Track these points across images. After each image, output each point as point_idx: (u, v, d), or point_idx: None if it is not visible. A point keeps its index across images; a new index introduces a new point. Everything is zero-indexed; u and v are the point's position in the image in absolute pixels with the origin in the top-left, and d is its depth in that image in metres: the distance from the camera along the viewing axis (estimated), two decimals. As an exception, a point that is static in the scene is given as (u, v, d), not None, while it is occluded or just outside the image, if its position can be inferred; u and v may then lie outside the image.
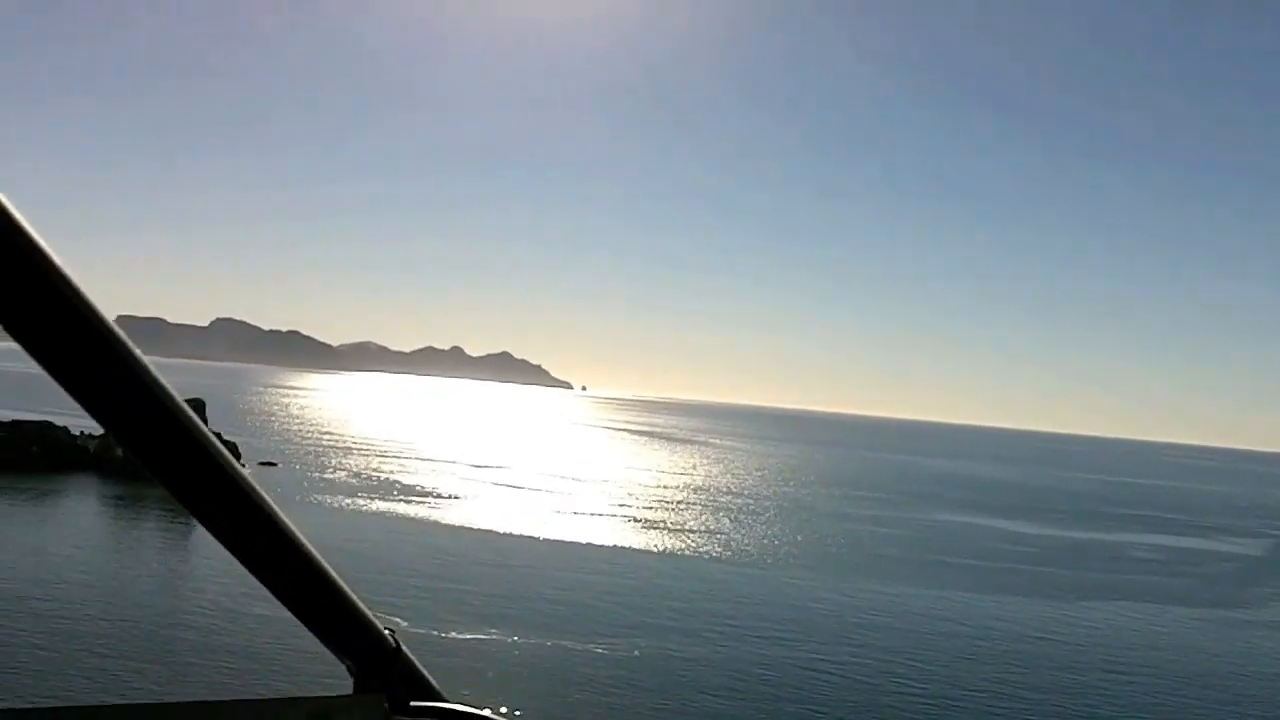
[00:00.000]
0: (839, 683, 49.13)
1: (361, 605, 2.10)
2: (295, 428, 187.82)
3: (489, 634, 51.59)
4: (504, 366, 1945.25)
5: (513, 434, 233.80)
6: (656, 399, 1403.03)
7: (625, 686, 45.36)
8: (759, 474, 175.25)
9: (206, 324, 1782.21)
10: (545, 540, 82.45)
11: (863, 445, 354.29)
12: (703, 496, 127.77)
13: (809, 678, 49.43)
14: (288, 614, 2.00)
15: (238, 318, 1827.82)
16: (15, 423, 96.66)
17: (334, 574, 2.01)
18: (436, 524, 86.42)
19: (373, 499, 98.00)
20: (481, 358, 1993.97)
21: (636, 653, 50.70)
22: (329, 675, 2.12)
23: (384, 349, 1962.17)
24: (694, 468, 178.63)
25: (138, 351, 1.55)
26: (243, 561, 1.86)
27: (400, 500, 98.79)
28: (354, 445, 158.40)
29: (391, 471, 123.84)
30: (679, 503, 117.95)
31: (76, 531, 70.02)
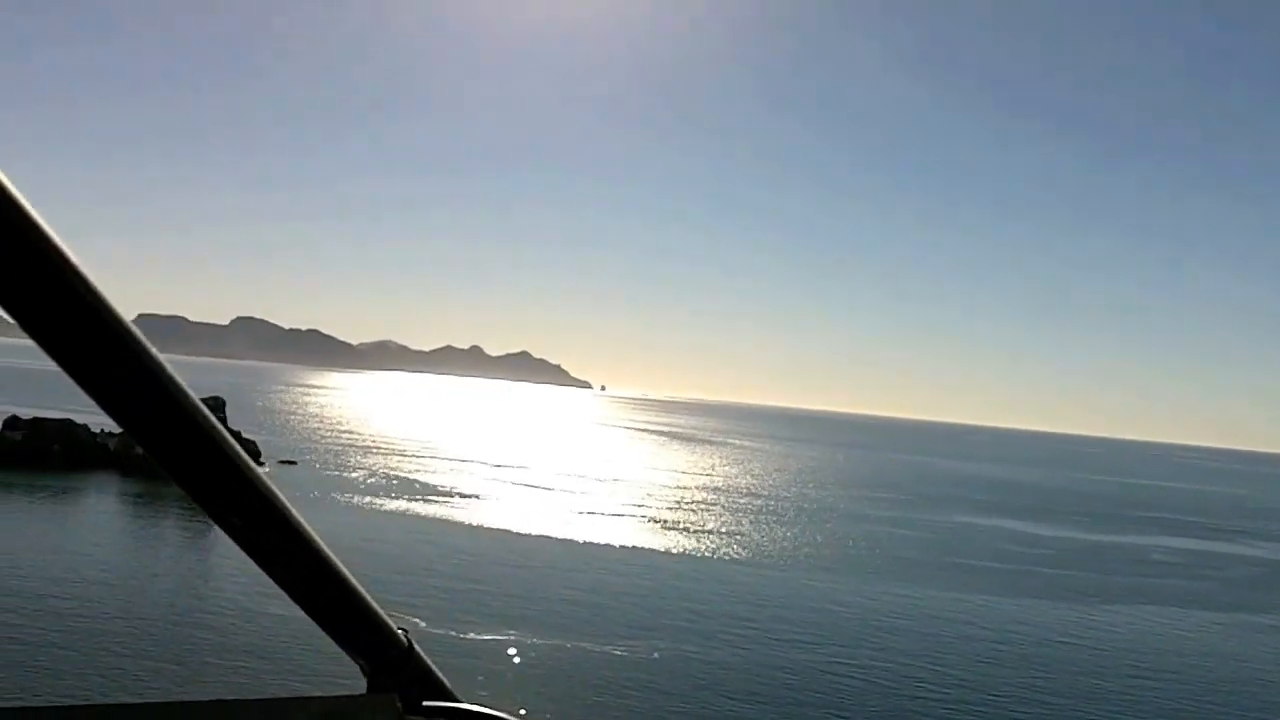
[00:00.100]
0: (859, 686, 48.80)
1: (375, 605, 2.10)
2: (315, 426, 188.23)
3: (508, 635, 51.42)
4: (523, 366, 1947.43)
5: (531, 433, 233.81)
6: (676, 399, 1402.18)
7: (644, 689, 45.12)
8: (778, 475, 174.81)
9: (227, 322, 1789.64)
10: (564, 541, 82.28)
11: (881, 446, 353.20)
12: (722, 497, 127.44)
13: (829, 681, 49.14)
14: (302, 613, 2.00)
15: (258, 316, 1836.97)
16: (36, 420, 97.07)
17: (347, 573, 2.01)
18: (455, 523, 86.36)
19: (392, 498, 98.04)
20: (501, 357, 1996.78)
21: (656, 655, 50.46)
22: (343, 675, 2.13)
23: (403, 348, 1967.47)
24: (713, 468, 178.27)
25: (153, 349, 1.55)
26: (257, 560, 1.87)
27: (419, 500, 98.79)
28: (373, 444, 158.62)
29: (411, 471, 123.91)
30: (698, 503, 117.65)
31: (96, 529, 70.20)
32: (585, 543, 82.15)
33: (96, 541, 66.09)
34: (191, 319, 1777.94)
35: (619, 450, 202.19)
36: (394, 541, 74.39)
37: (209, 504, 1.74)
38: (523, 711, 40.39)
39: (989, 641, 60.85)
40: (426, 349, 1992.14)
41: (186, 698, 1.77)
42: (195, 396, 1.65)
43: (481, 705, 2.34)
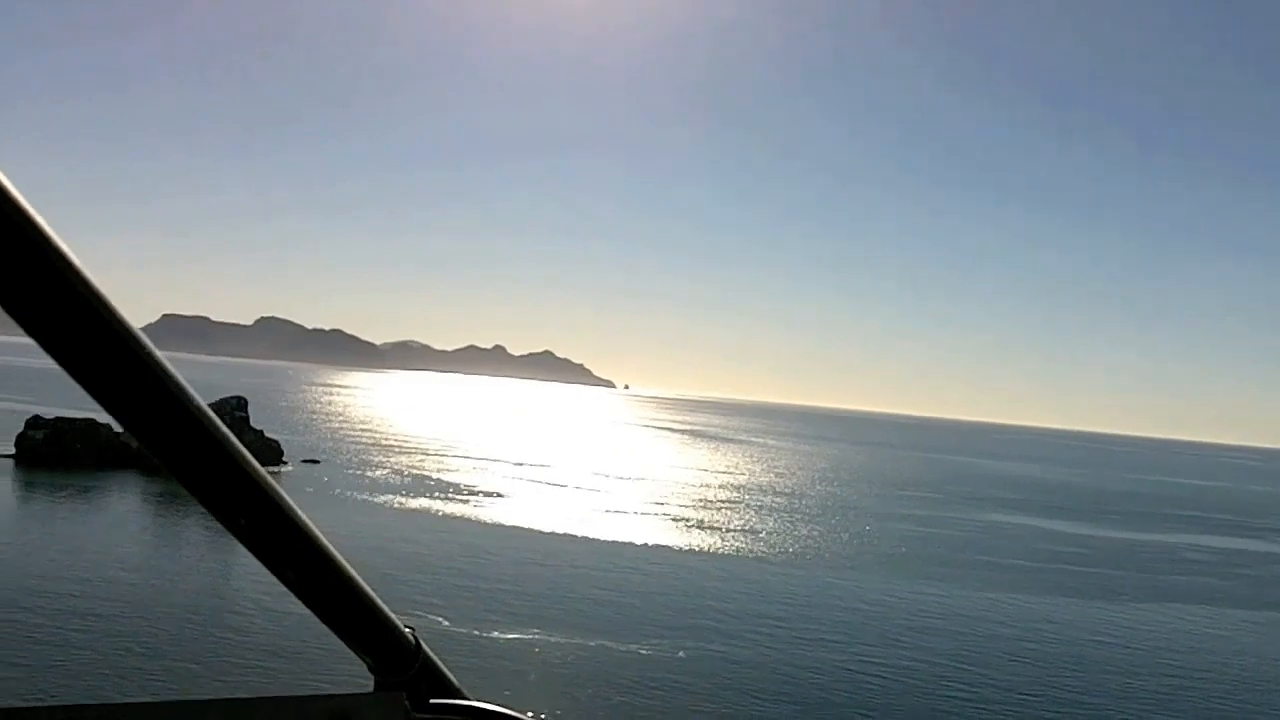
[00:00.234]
0: (888, 686, 47.96)
1: (381, 603, 2.11)
2: (338, 426, 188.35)
3: (531, 634, 50.77)
4: (546, 365, 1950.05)
5: (554, 433, 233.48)
6: (700, 398, 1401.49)
7: (670, 689, 44.37)
8: (803, 473, 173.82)
9: (251, 323, 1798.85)
10: (588, 539, 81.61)
11: (908, 445, 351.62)
12: (747, 496, 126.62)
13: (858, 681, 48.29)
14: (310, 613, 2.01)
15: (281, 316, 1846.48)
16: (58, 420, 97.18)
17: (354, 572, 2.02)
18: (478, 522, 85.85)
19: (414, 497, 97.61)
20: (524, 357, 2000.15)
21: (681, 654, 49.69)
22: (351, 673, 2.14)
23: (426, 348, 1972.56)
24: (738, 467, 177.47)
25: (156, 350, 1.56)
26: (263, 561, 1.88)
27: (442, 498, 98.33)
28: (396, 443, 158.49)
29: (433, 470, 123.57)
30: (723, 502, 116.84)
31: (117, 529, 69.95)
32: (609, 541, 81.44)
33: (117, 541, 65.83)
34: (215, 319, 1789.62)
35: (642, 449, 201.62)
36: (417, 541, 73.85)
37: (215, 505, 1.74)
38: (548, 712, 39.65)
39: (1020, 641, 59.93)
40: (449, 349, 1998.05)
41: (197, 696, 1.80)
42: (199, 397, 1.64)
43: (489, 702, 2.34)
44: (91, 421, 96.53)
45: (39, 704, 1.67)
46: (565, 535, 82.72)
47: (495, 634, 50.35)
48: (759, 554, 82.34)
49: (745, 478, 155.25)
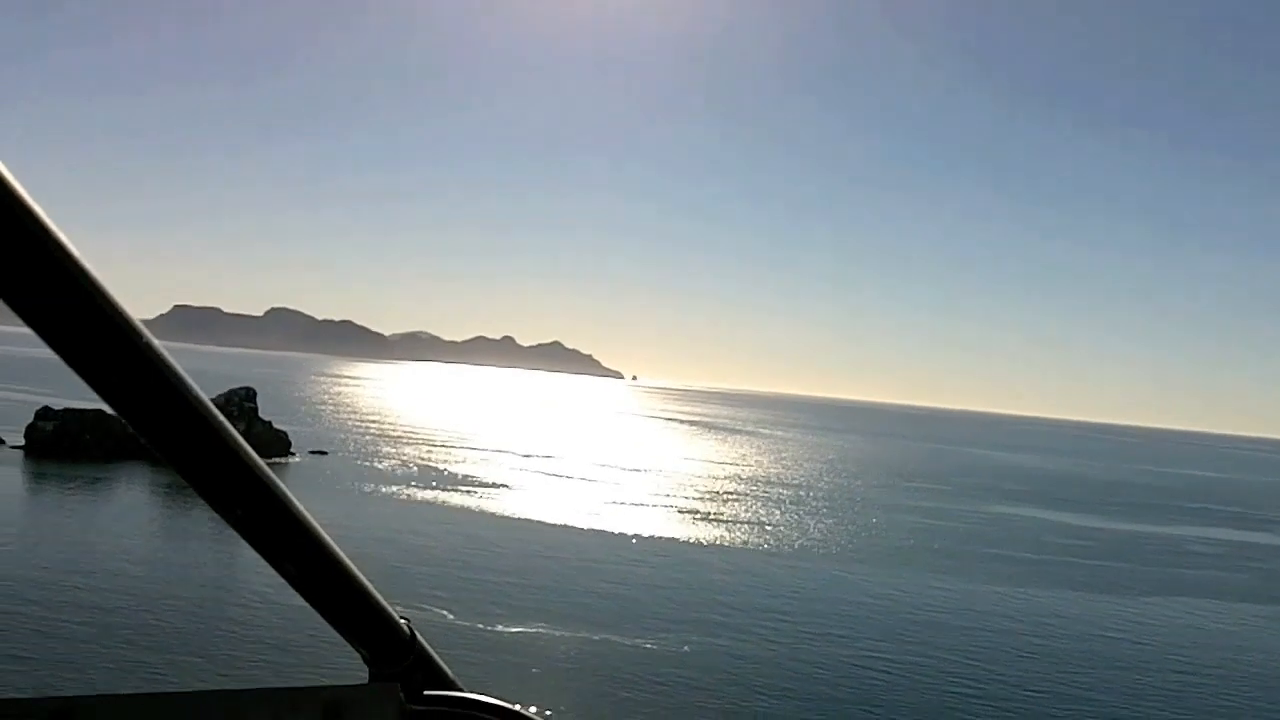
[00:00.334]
0: (896, 681, 47.80)
1: (377, 595, 2.12)
2: (346, 417, 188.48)
3: (537, 627, 50.71)
4: (555, 356, 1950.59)
5: (562, 424, 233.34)
6: (708, 389, 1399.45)
7: (676, 684, 44.27)
8: (812, 465, 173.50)
9: (261, 314, 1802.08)
10: (594, 532, 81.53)
11: (916, 436, 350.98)
12: (755, 488, 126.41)
13: (865, 675, 48.15)
14: (305, 604, 2.02)
15: (292, 308, 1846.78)
16: (68, 411, 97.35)
17: (350, 564, 2.03)
18: (485, 514, 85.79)
19: (421, 488, 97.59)
20: (532, 348, 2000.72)
21: (687, 649, 49.58)
22: (347, 665, 2.17)
23: (436, 339, 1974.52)
24: (746, 458, 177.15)
25: (155, 341, 1.56)
26: (260, 551, 1.87)
27: (449, 490, 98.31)
28: (404, 434, 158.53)
29: (441, 461, 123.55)
30: (730, 494, 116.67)
31: (124, 520, 70.03)
32: (615, 534, 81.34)
33: (123, 533, 65.91)
34: (227, 310, 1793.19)
35: (650, 440, 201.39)
36: (424, 532, 73.82)
37: (212, 496, 1.74)
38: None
39: (1028, 635, 59.73)
40: (459, 340, 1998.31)
41: (191, 688, 1.80)
42: (198, 388, 1.64)
43: (483, 694, 2.34)
44: (101, 413, 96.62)
45: (34, 695, 1.66)
46: (571, 527, 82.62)
47: (500, 627, 50.28)
48: (766, 547, 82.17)
49: (752, 469, 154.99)
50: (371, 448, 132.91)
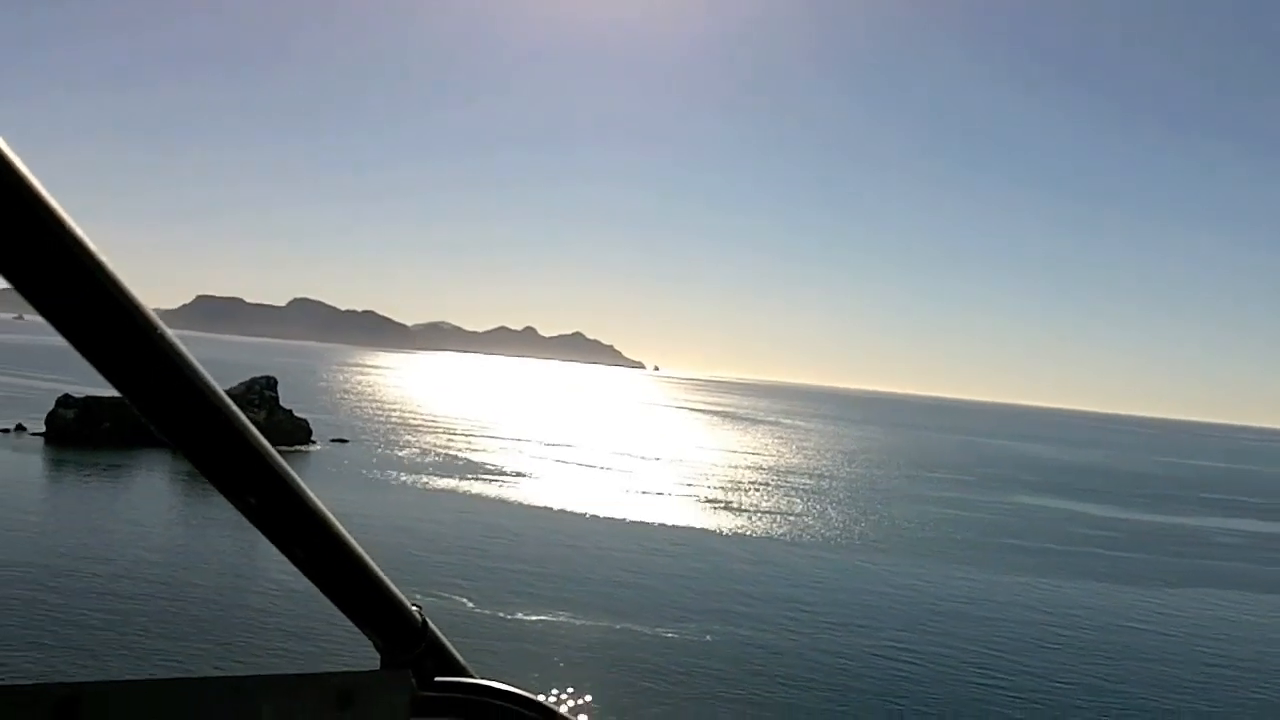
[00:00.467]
0: (917, 671, 47.31)
1: (389, 582, 2.13)
2: (368, 406, 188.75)
3: (558, 616, 50.41)
4: (576, 347, 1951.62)
5: (583, 413, 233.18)
6: (729, 379, 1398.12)
7: (697, 674, 43.87)
8: (832, 455, 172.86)
9: (284, 304, 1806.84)
10: (615, 521, 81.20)
11: (936, 427, 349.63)
12: (775, 478, 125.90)
13: (886, 666, 47.66)
14: (318, 591, 2.04)
15: (314, 298, 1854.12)
16: (88, 399, 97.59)
17: (362, 552, 2.03)
18: (506, 503, 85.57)
19: (442, 477, 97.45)
20: (554, 338, 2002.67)
21: (709, 638, 49.17)
22: (359, 652, 2.17)
23: (457, 329, 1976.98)
24: (766, 448, 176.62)
25: (167, 330, 1.55)
26: (272, 540, 1.88)
27: (470, 479, 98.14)
28: (425, 424, 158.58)
29: (462, 450, 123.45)
30: (751, 484, 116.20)
31: (143, 508, 70.11)
32: (636, 523, 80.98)
33: (142, 520, 65.96)
34: (249, 301, 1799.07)
35: (671, 430, 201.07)
36: (443, 521, 73.61)
37: (225, 484, 1.74)
38: (583, 701, 39.23)
39: (1050, 625, 59.14)
40: (480, 330, 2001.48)
41: (204, 674, 1.79)
42: (210, 377, 1.64)
43: (495, 680, 2.36)
44: (121, 401, 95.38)
45: (44, 681, 1.68)
46: (592, 516, 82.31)
47: (521, 616, 49.97)
48: (787, 536, 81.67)
49: (773, 459, 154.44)
50: (392, 436, 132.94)
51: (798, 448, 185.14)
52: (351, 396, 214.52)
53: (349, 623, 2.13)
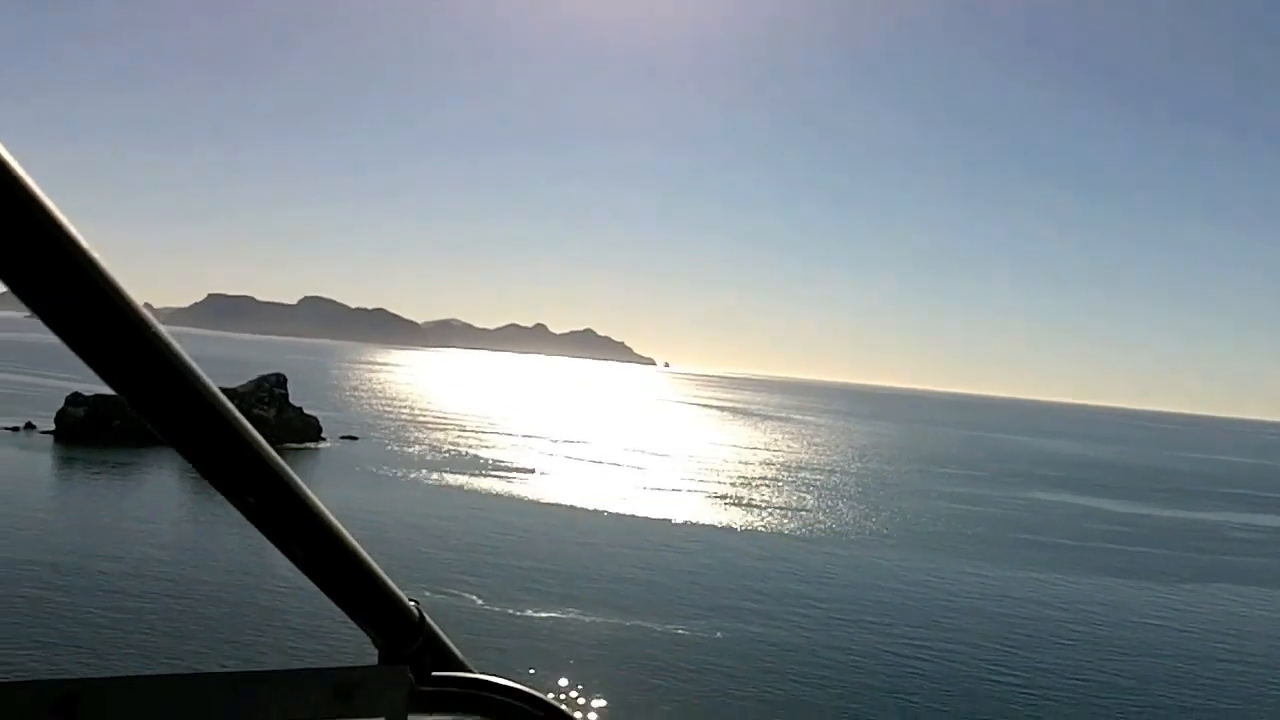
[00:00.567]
0: (931, 668, 46.81)
1: (386, 578, 2.14)
2: (378, 403, 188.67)
3: (568, 613, 50.00)
4: (587, 343, 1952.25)
5: (594, 410, 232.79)
6: (740, 375, 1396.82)
7: (708, 670, 43.43)
8: (845, 451, 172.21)
9: (295, 302, 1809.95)
10: (626, 517, 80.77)
11: (950, 422, 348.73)
12: (787, 473, 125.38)
13: (899, 663, 47.15)
14: (316, 588, 2.05)
15: (325, 296, 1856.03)
16: (97, 397, 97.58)
17: (359, 548, 2.05)
18: (516, 499, 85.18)
19: (452, 473, 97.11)
20: (564, 335, 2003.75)
21: (719, 634, 48.70)
22: (357, 648, 2.21)
23: (468, 326, 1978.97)
24: (778, 444, 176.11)
25: (163, 329, 1.55)
26: (270, 537, 1.89)
27: (480, 475, 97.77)
28: (436, 420, 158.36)
29: (472, 447, 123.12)
30: (763, 480, 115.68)
31: (151, 505, 69.93)
32: (647, 519, 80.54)
33: (149, 518, 65.78)
34: (260, 299, 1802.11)
35: (682, 426, 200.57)
36: (453, 517, 73.22)
37: (222, 483, 1.75)
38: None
39: (1066, 621, 58.60)
40: (491, 327, 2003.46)
41: (203, 669, 1.80)
42: (206, 375, 1.64)
43: (492, 674, 2.37)
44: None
45: (42, 678, 1.71)
46: (603, 513, 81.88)
47: (530, 612, 49.57)
48: (799, 532, 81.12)
49: (785, 455, 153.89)
50: (402, 433, 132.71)
51: (809, 443, 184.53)
52: (361, 394, 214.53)
53: (347, 618, 2.14)
